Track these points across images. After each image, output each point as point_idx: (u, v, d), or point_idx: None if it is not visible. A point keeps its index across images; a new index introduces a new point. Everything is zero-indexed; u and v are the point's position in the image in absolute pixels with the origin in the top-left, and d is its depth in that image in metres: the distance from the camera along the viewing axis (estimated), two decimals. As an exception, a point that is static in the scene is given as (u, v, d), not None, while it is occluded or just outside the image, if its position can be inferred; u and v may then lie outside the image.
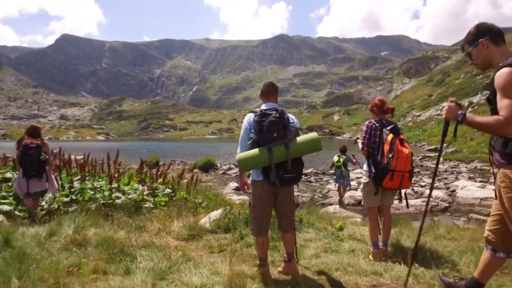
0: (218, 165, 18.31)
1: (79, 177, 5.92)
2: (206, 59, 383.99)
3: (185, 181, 7.82)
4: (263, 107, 3.07)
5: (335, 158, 10.53)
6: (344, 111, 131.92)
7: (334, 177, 10.56)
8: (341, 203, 10.10)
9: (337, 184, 10.44)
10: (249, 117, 3.00)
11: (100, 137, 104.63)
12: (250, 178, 3.06)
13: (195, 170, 17.03)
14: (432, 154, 25.81)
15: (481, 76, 75.31)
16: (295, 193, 10.69)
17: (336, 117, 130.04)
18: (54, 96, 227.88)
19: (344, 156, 10.43)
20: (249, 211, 3.21)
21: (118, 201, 5.19)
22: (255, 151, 2.78)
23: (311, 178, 14.56)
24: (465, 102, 61.60)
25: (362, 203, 3.86)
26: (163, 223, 4.60)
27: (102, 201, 5.04)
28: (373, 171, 3.50)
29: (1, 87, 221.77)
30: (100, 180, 6.45)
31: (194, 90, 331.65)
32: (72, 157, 8.39)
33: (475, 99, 60.35)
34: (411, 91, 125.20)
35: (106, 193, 5.30)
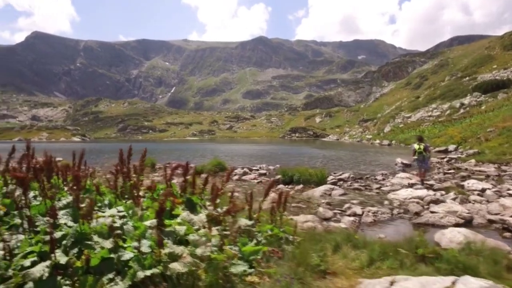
0: (229, 168, 15.11)
1: (71, 198, 2.69)
2: (185, 60, 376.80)
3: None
4: None
5: (416, 146, 12.35)
6: (325, 113, 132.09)
7: (415, 163, 12.45)
8: (422, 183, 11.70)
9: (419, 168, 12.31)
10: None
11: (76, 139, 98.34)
12: None
13: (202, 175, 13.80)
14: (455, 156, 23.48)
15: (467, 78, 75.17)
16: (365, 209, 7.73)
17: (317, 119, 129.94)
18: (25, 96, 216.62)
19: (423, 144, 12.43)
20: None
21: (177, 267, 2.04)
22: None
23: (355, 185, 11.61)
24: (456, 104, 60.72)
25: None
26: None
27: (142, 273, 1.88)
28: None
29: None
30: (106, 203, 3.23)
31: (172, 91, 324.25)
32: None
33: (466, 101, 59.54)
34: (390, 94, 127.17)
35: (145, 246, 2.13)
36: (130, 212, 2.69)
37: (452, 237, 5.43)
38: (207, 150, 36.73)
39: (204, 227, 2.91)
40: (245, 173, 14.26)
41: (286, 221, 5.79)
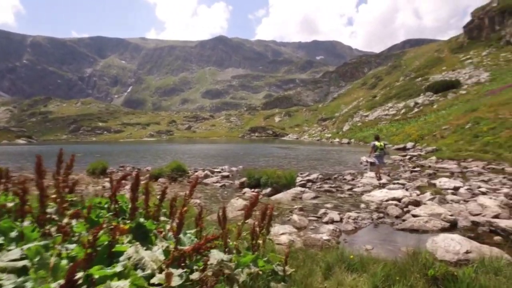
0: (191, 173, 13.92)
1: None
2: (142, 59, 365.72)
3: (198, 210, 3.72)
4: None
5: (377, 143, 13.04)
6: (285, 113, 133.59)
7: (375, 159, 12.91)
8: (380, 178, 12.12)
9: (376, 165, 12.86)
10: None
11: (21, 141, 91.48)
12: None
13: (161, 180, 12.60)
14: (415, 153, 23.79)
15: (420, 78, 78.48)
16: (343, 215, 7.08)
17: (277, 119, 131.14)
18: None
19: (382, 141, 13.40)
20: None
21: None
22: None
23: (325, 186, 10.99)
24: (410, 103, 63.04)
25: None
26: None
27: None
28: None
29: None
30: (14, 235, 2.18)
31: (129, 91, 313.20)
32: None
33: (419, 100, 61.94)
34: (347, 93, 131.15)
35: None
36: (37, 260, 1.69)
37: (446, 246, 4.84)
38: (166, 151, 35.11)
39: (161, 270, 1.98)
40: (206, 176, 13.20)
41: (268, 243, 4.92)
